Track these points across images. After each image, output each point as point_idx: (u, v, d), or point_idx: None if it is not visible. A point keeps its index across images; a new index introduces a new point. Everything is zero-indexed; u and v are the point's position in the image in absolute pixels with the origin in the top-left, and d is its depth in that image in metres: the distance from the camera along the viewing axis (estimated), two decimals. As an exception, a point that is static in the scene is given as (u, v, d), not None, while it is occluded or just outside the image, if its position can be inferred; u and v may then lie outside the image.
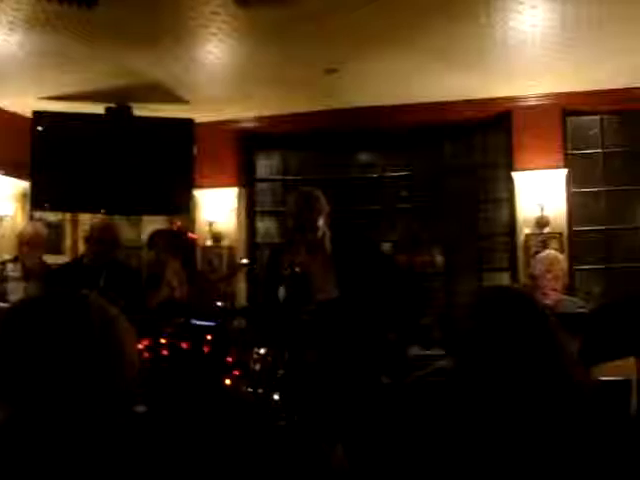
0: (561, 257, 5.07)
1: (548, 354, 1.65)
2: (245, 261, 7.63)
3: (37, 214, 7.31)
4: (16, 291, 5.33)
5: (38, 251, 5.57)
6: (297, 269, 3.58)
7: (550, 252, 5.22)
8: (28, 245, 5.54)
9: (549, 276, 4.72)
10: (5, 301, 5.27)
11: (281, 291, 3.63)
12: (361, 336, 3.66)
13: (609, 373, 2.60)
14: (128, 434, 1.40)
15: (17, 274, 5.56)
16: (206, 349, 4.09)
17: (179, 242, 4.52)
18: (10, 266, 5.61)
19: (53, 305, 1.40)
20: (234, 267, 6.91)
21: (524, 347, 1.65)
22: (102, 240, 4.73)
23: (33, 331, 1.35)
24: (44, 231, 5.88)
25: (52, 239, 6.98)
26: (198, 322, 4.07)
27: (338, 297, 3.68)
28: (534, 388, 1.62)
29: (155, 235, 4.73)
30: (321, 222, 3.69)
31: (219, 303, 4.47)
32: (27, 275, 5.36)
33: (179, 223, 6.30)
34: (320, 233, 3.69)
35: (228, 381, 4.25)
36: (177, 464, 1.45)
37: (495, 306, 1.74)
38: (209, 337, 4.07)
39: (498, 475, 1.57)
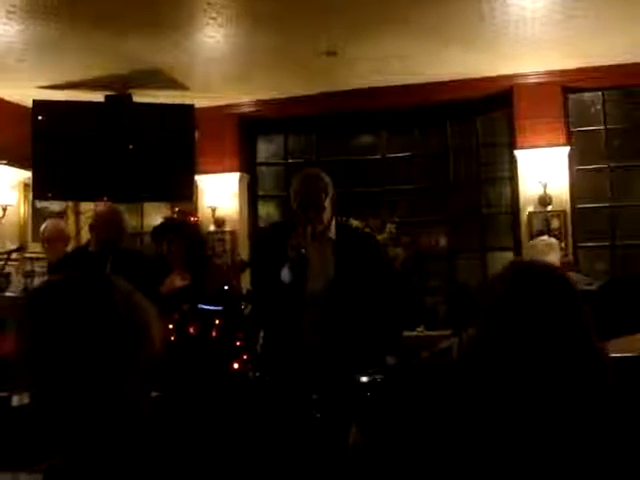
0: (555, 244, 5.09)
1: (578, 330, 1.65)
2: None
3: (40, 203, 7.30)
4: None
5: (59, 246, 5.65)
6: (303, 251, 3.50)
7: (542, 240, 5.24)
8: (49, 242, 5.70)
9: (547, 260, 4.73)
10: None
11: (285, 273, 3.56)
12: (358, 320, 3.62)
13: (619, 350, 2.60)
14: (148, 418, 1.40)
15: (43, 269, 5.66)
16: (214, 333, 4.11)
17: (184, 231, 4.50)
18: (14, 255, 5.67)
19: (77, 286, 1.41)
20: (244, 263, 6.88)
21: (554, 321, 1.64)
22: (107, 227, 4.72)
23: (58, 312, 1.36)
24: (64, 226, 5.99)
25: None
26: (206, 307, 4.08)
27: (333, 281, 3.61)
28: (562, 362, 1.62)
29: (160, 228, 4.71)
30: (327, 203, 3.62)
31: (226, 287, 4.47)
32: (51, 270, 5.41)
33: (178, 209, 6.28)
34: (326, 215, 3.63)
35: (236, 365, 4.27)
36: (187, 449, 1.45)
37: (528, 279, 1.73)
38: (217, 322, 4.09)
39: (521, 449, 1.57)
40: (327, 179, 3.67)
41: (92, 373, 1.33)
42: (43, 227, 5.88)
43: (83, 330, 1.34)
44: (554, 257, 4.97)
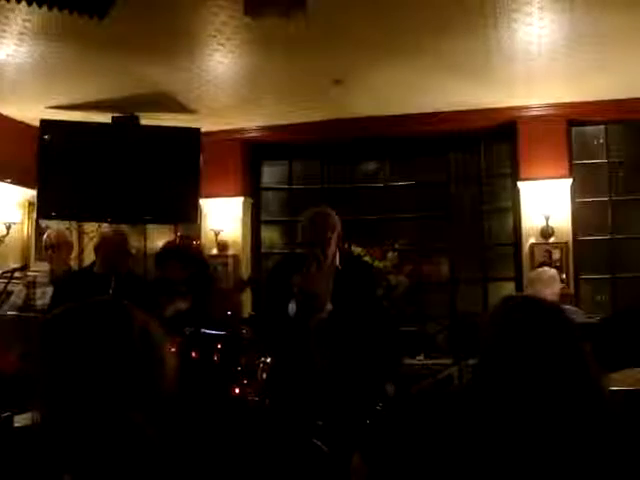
0: (557, 276, 5.12)
1: (574, 364, 1.66)
2: (250, 276, 7.67)
3: (44, 223, 7.33)
4: (43, 296, 5.39)
5: (62, 255, 5.67)
6: (308, 289, 3.65)
7: (545, 271, 5.26)
8: (52, 249, 5.72)
9: (547, 292, 4.74)
10: (31, 306, 5.35)
11: (291, 307, 3.71)
12: (356, 347, 3.70)
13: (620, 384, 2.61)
14: (153, 446, 1.41)
15: (45, 279, 5.66)
16: (216, 358, 4.11)
17: (187, 257, 4.52)
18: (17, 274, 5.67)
19: (95, 313, 1.42)
20: (241, 283, 6.92)
21: (551, 357, 1.66)
22: (112, 250, 4.74)
23: (73, 340, 1.37)
24: (68, 235, 5.99)
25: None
26: (208, 331, 4.09)
27: (332, 311, 3.74)
28: (561, 398, 1.62)
29: (163, 253, 4.73)
30: (333, 239, 3.76)
31: (229, 312, 4.48)
32: (54, 280, 5.41)
33: (180, 234, 6.31)
34: (331, 250, 3.77)
35: (237, 390, 4.27)
36: (188, 472, 1.46)
37: (523, 315, 1.74)
38: (219, 346, 4.09)
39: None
40: (333, 216, 3.84)
41: (100, 402, 1.34)
42: (46, 235, 5.89)
43: (97, 358, 1.35)
44: (557, 288, 4.99)
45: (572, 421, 1.60)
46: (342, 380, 3.63)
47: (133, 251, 5.38)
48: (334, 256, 3.81)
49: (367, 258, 6.89)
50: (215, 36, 5.41)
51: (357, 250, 7.05)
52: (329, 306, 3.73)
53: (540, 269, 5.67)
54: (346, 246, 6.33)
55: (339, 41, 5.56)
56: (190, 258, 4.49)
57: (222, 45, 5.58)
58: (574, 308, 5.20)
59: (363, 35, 5.43)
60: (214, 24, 5.19)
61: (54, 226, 7.24)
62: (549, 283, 4.91)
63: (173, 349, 3.98)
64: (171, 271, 4.44)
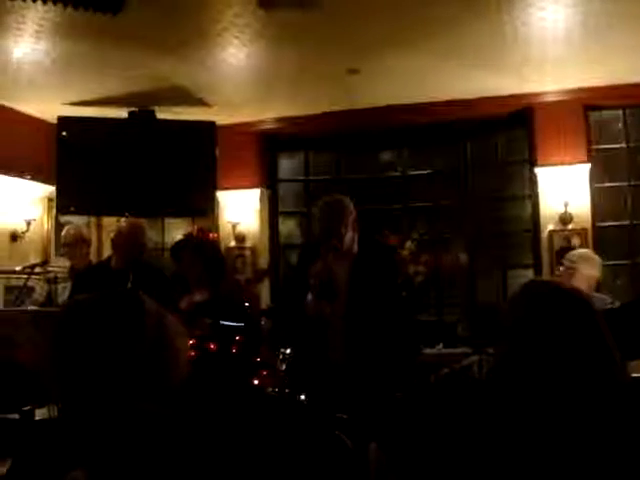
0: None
1: (598, 351, 1.65)
2: (268, 265, 7.70)
3: (63, 218, 7.39)
4: (65, 292, 5.45)
5: (81, 251, 5.72)
6: (323, 280, 3.67)
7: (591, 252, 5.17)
8: (69, 246, 5.76)
9: (593, 272, 4.66)
10: (53, 302, 5.42)
11: (309, 299, 3.72)
12: (375, 336, 3.71)
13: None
14: (168, 436, 1.43)
15: (65, 275, 5.72)
16: (234, 350, 4.13)
17: (202, 248, 4.54)
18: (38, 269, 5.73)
19: (108, 304, 1.44)
20: (261, 273, 6.95)
21: (575, 343, 1.64)
22: (128, 243, 4.78)
23: (88, 332, 1.39)
24: (85, 232, 6.03)
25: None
26: (227, 323, 4.11)
27: (348, 299, 3.75)
28: (582, 384, 1.61)
29: (178, 246, 4.75)
30: (347, 228, 3.75)
31: (247, 304, 4.50)
32: (74, 275, 5.46)
33: (198, 226, 6.34)
34: (347, 239, 3.77)
35: (256, 381, 4.29)
36: (205, 463, 1.47)
37: (547, 300, 1.73)
38: (238, 338, 4.11)
39: (542, 469, 1.57)
40: (347, 204, 3.83)
41: (115, 392, 1.36)
42: (64, 232, 5.94)
43: (110, 350, 1.37)
44: (599, 273, 4.88)
45: (593, 409, 1.59)
46: (360, 370, 3.64)
47: (150, 244, 5.40)
48: (352, 243, 3.82)
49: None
50: (229, 29, 5.42)
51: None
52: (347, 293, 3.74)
53: (588, 250, 5.54)
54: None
55: (353, 31, 5.55)
56: (205, 250, 4.51)
57: (236, 38, 5.59)
58: (602, 295, 5.11)
59: (377, 24, 5.41)
60: (228, 17, 5.20)
61: (73, 221, 7.31)
62: (596, 266, 4.81)
63: (192, 341, 4.01)
64: (187, 263, 4.46)
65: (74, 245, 5.74)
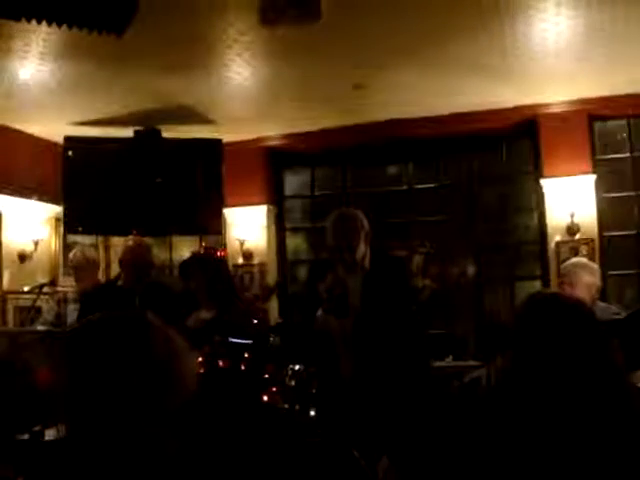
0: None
1: (601, 362, 1.65)
2: (276, 281, 7.70)
3: (71, 238, 7.41)
4: (74, 313, 5.46)
5: (89, 273, 5.71)
6: (335, 293, 3.62)
7: (588, 261, 5.12)
8: (76, 269, 5.74)
9: (592, 280, 4.61)
10: (62, 323, 5.43)
11: (320, 314, 3.69)
12: (386, 351, 3.68)
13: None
14: (187, 453, 1.43)
15: (75, 295, 5.73)
16: (243, 366, 4.12)
17: (209, 266, 4.53)
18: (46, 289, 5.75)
19: (116, 326, 1.44)
20: (269, 289, 6.95)
21: (576, 354, 1.64)
22: (135, 262, 4.78)
23: (96, 353, 1.39)
24: (92, 254, 6.02)
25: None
26: (236, 340, 4.10)
27: (359, 314, 3.70)
28: (586, 395, 1.61)
29: (186, 263, 4.75)
30: (360, 242, 3.71)
31: (255, 321, 4.49)
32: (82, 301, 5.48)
33: (205, 244, 6.35)
34: (359, 253, 3.71)
35: (266, 397, 4.28)
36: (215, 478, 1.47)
37: (549, 313, 1.73)
38: (247, 355, 4.10)
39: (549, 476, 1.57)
40: (360, 217, 3.76)
41: (122, 412, 1.36)
42: (72, 255, 5.95)
43: (117, 371, 1.37)
44: (599, 281, 4.82)
45: (596, 420, 1.59)
46: (370, 384, 3.62)
47: (156, 261, 5.40)
48: (364, 257, 3.78)
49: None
50: (232, 47, 5.45)
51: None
52: (358, 309, 3.70)
53: (583, 259, 5.49)
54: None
55: (357, 46, 5.57)
56: (213, 267, 4.50)
57: (239, 55, 5.61)
58: (607, 305, 5.07)
59: (381, 39, 5.44)
60: (231, 35, 5.23)
61: (81, 241, 7.33)
62: (594, 272, 4.76)
63: (200, 358, 4.00)
64: (194, 281, 4.46)
65: (82, 268, 5.74)
